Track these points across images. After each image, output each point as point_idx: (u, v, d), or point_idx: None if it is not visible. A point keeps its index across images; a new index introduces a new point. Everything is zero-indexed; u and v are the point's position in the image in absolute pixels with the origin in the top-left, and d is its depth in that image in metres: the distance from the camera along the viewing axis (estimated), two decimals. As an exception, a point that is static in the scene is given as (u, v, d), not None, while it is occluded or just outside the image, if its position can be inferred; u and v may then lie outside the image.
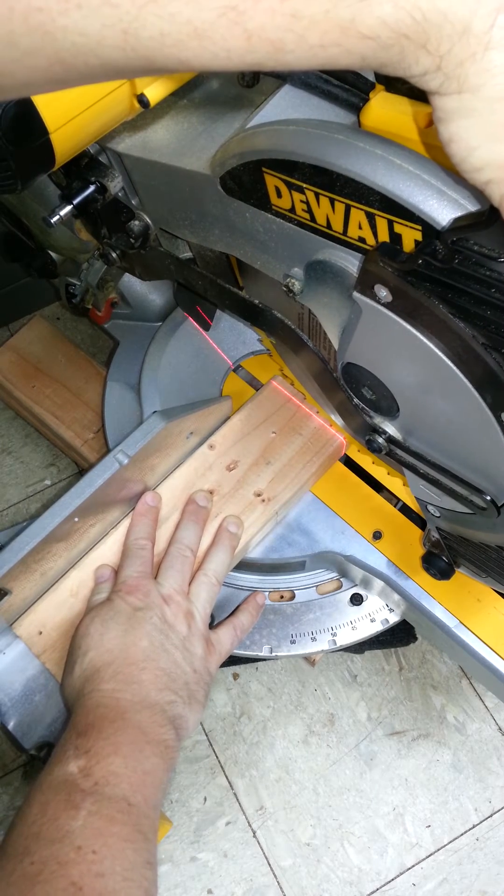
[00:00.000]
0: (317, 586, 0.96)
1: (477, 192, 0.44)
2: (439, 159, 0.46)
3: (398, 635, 1.10)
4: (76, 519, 0.77)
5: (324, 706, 1.14)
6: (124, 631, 0.72)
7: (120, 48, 0.32)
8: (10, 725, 0.78)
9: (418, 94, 0.47)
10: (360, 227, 0.51)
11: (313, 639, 0.93)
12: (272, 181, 0.55)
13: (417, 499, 0.71)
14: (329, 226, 0.53)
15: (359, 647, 1.06)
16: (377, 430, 0.63)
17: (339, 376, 0.62)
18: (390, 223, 0.48)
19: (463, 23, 0.31)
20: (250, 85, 0.64)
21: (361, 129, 0.51)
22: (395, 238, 0.49)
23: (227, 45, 0.32)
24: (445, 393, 0.51)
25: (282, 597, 0.95)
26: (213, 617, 0.90)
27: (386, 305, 0.48)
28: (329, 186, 0.50)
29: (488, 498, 0.57)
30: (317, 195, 0.52)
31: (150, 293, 1.04)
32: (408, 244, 0.48)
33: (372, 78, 0.53)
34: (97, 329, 1.33)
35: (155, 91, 0.59)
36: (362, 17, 0.31)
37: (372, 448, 0.63)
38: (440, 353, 0.48)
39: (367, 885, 1.06)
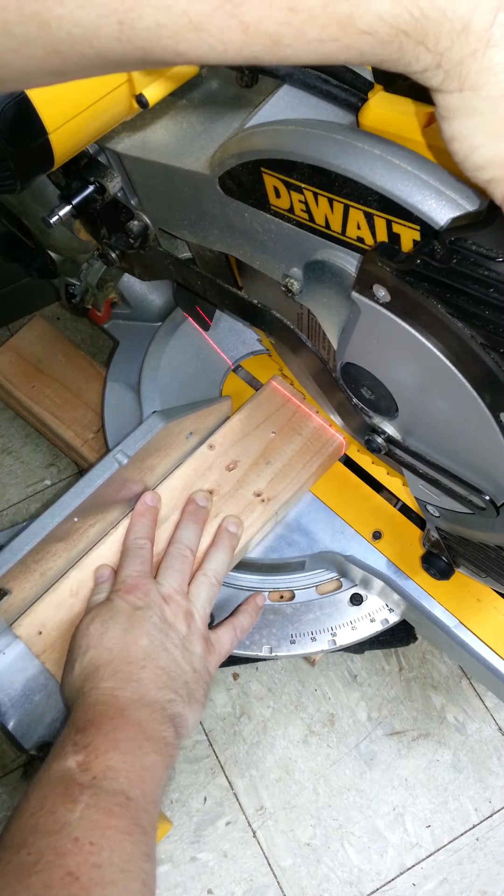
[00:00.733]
0: (317, 586, 0.95)
1: (475, 192, 0.44)
2: (438, 159, 0.46)
3: (398, 635, 1.10)
4: (76, 519, 0.77)
5: (324, 706, 1.14)
6: (124, 630, 0.72)
7: (116, 39, 0.31)
8: (10, 725, 0.78)
9: (417, 94, 0.47)
10: (358, 227, 0.51)
11: (313, 639, 0.93)
12: (271, 181, 0.55)
13: (417, 499, 0.71)
14: (328, 226, 0.53)
15: (359, 647, 1.06)
16: (376, 430, 0.63)
17: (338, 376, 0.62)
18: (389, 223, 0.48)
19: (462, 20, 0.31)
20: (249, 85, 0.64)
21: (360, 129, 0.51)
22: (394, 238, 0.49)
23: (224, 38, 0.31)
24: (444, 393, 0.51)
25: (282, 597, 0.95)
26: (213, 617, 0.90)
27: (384, 305, 0.48)
28: (327, 186, 0.50)
29: (487, 498, 0.57)
30: (315, 195, 0.52)
31: (149, 293, 1.04)
32: (406, 244, 0.48)
33: (370, 77, 0.53)
34: (97, 329, 1.33)
35: (154, 91, 0.59)
36: (360, 13, 0.31)
37: (371, 448, 0.63)
38: (439, 353, 0.48)
39: (367, 885, 1.06)
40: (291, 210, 0.55)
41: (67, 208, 0.71)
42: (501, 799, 1.10)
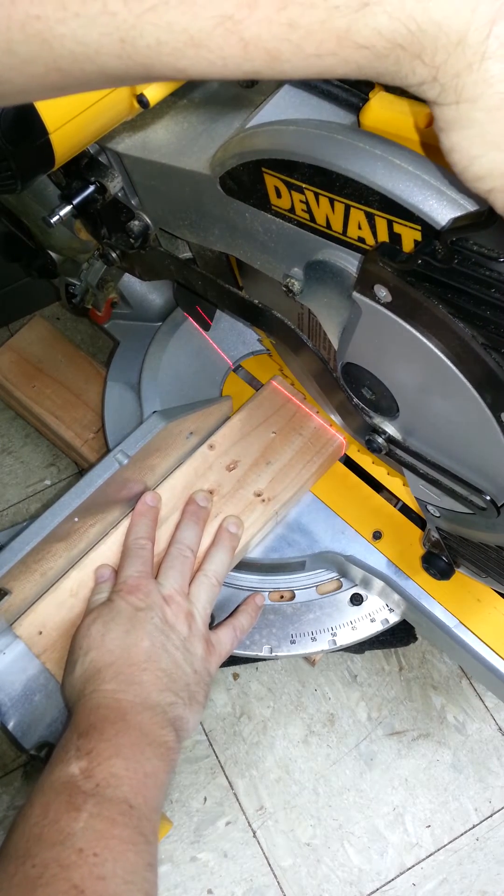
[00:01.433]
0: (317, 586, 0.95)
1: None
2: (438, 159, 0.46)
3: (398, 635, 1.10)
4: (76, 519, 0.77)
5: (324, 706, 1.14)
6: (126, 631, 0.72)
7: (117, 56, 0.32)
8: (10, 725, 0.78)
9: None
10: (359, 228, 0.51)
11: (313, 639, 0.93)
12: (272, 181, 0.55)
13: (417, 499, 0.71)
14: (328, 226, 0.53)
15: (359, 647, 1.06)
16: (377, 430, 0.63)
17: (339, 376, 0.62)
18: (390, 223, 0.48)
19: (458, 34, 0.31)
20: (250, 85, 0.64)
21: (361, 129, 0.51)
22: (395, 238, 0.48)
23: (224, 54, 0.32)
24: (445, 393, 0.51)
25: (282, 597, 0.95)
26: (213, 617, 0.90)
27: (385, 305, 0.48)
28: (328, 186, 0.50)
29: (488, 498, 0.57)
30: (316, 195, 0.52)
31: (149, 293, 1.04)
32: (407, 244, 0.48)
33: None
34: (97, 329, 1.33)
35: (154, 91, 0.59)
36: (358, 27, 0.31)
37: (372, 448, 0.63)
38: (440, 353, 0.48)
39: (368, 885, 1.06)
40: (292, 210, 0.55)
41: (68, 208, 0.70)
42: (501, 799, 1.10)
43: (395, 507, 0.91)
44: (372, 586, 0.92)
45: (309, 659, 1.08)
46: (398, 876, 1.06)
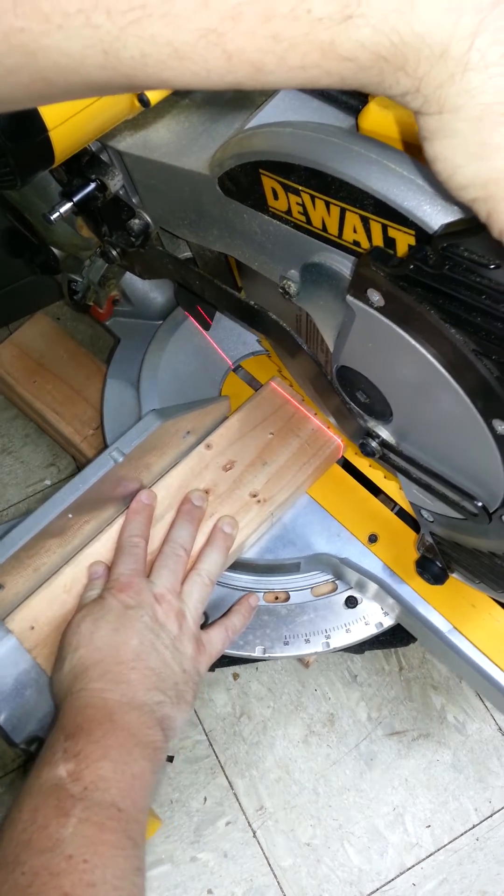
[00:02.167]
0: (312, 588, 0.95)
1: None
2: (434, 164, 0.46)
3: (398, 635, 1.09)
4: (70, 515, 0.77)
5: (324, 706, 1.14)
6: (115, 629, 0.72)
7: (101, 67, 0.32)
8: (1, 720, 0.78)
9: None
10: (354, 231, 0.50)
11: (307, 640, 0.93)
12: (269, 183, 0.54)
13: (411, 503, 0.70)
14: (325, 229, 0.53)
15: (359, 648, 1.06)
16: (371, 434, 0.62)
17: (334, 379, 0.62)
18: (384, 227, 0.48)
19: (441, 46, 0.31)
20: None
21: (359, 132, 0.51)
22: (390, 242, 0.48)
23: (208, 66, 0.32)
24: (437, 398, 0.50)
25: (276, 598, 0.95)
26: (206, 616, 0.90)
27: (378, 309, 0.48)
28: (324, 189, 0.50)
29: (480, 504, 0.57)
30: (312, 198, 0.51)
31: (151, 291, 1.04)
32: (402, 249, 0.48)
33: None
34: (98, 329, 1.33)
35: (155, 90, 0.59)
36: (341, 40, 0.31)
37: (365, 452, 0.63)
38: (431, 359, 0.48)
39: (368, 885, 1.06)
40: (289, 212, 0.55)
41: (68, 205, 0.70)
42: (501, 799, 1.10)
43: (391, 510, 0.91)
44: (367, 589, 0.92)
45: (303, 660, 1.08)
46: (398, 876, 1.07)
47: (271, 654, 0.93)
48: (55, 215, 0.70)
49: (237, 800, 1.10)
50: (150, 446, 0.81)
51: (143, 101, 0.59)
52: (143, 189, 0.71)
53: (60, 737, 0.65)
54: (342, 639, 0.93)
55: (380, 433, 0.62)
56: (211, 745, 1.12)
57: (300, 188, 0.52)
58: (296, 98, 0.58)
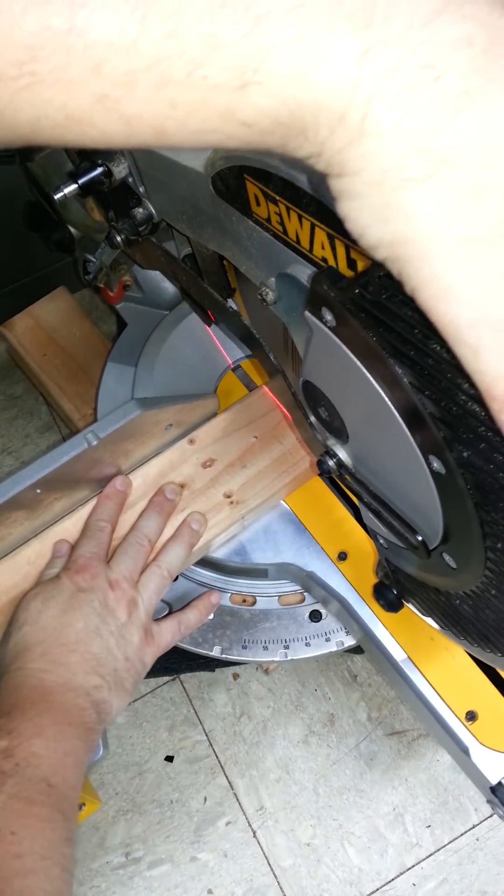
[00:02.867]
0: (280, 596, 0.95)
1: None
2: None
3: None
4: (38, 490, 0.78)
5: (324, 706, 1.14)
6: (62, 610, 0.73)
7: (1, 128, 0.32)
8: None
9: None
10: (322, 248, 0.50)
11: (265, 648, 0.92)
12: (252, 188, 0.54)
13: (367, 527, 0.70)
14: (298, 241, 0.53)
15: (359, 647, 1.05)
16: (329, 453, 0.62)
17: (299, 392, 0.61)
18: (347, 248, 0.47)
19: (338, 112, 0.31)
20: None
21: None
22: (352, 263, 0.48)
23: (107, 130, 0.32)
24: (383, 426, 0.50)
25: (244, 601, 0.95)
26: (170, 607, 0.90)
27: (331, 329, 0.48)
28: (297, 202, 0.49)
29: (419, 538, 0.56)
30: (287, 209, 0.51)
31: (163, 280, 1.04)
32: (362, 269, 0.47)
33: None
34: (108, 305, 1.33)
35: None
36: (240, 106, 0.31)
37: (321, 469, 0.62)
38: (377, 386, 0.47)
39: (368, 885, 1.06)
40: (269, 220, 0.55)
41: (73, 187, 0.71)
42: None
43: (366, 531, 0.90)
44: (330, 606, 0.92)
45: (262, 667, 1.08)
46: (398, 876, 1.06)
47: (228, 656, 0.92)
48: (59, 195, 0.71)
49: (237, 800, 1.10)
50: (128, 434, 0.81)
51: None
52: (147, 179, 0.72)
53: None
54: (301, 651, 0.92)
55: (338, 452, 0.61)
56: (211, 745, 1.13)
57: (277, 198, 0.51)
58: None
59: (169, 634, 0.81)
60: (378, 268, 0.40)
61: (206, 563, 0.93)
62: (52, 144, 0.34)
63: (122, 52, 0.29)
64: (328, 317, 0.47)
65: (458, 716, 0.79)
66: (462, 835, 1.07)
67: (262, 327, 0.72)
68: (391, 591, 0.77)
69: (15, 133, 0.33)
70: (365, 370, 0.47)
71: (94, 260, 0.98)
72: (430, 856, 1.06)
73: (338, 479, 0.63)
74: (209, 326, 0.97)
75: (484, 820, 1.07)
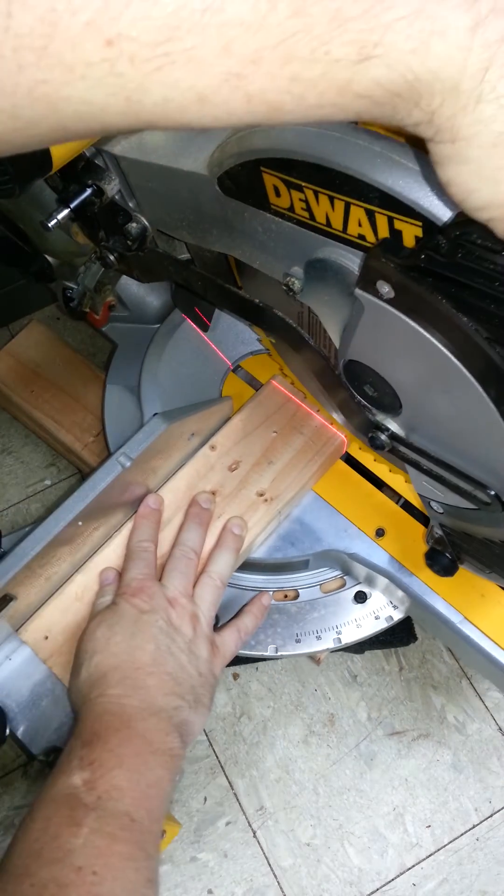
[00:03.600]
0: (321, 585, 0.95)
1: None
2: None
3: (398, 635, 1.09)
4: (80, 523, 0.77)
5: (324, 706, 1.14)
6: (131, 634, 0.72)
7: (123, 114, 0.32)
8: (20, 732, 0.78)
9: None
10: (359, 225, 0.50)
11: (318, 637, 0.92)
12: (270, 180, 0.54)
13: (420, 495, 0.70)
14: (328, 224, 0.53)
15: (359, 647, 1.05)
16: (380, 428, 0.62)
17: (341, 374, 0.62)
18: (390, 220, 0.48)
19: (453, 80, 0.32)
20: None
21: (359, 126, 0.51)
22: (396, 235, 0.48)
23: (229, 108, 0.33)
24: (449, 388, 0.50)
25: (286, 596, 0.95)
26: (217, 618, 0.90)
27: (388, 302, 0.48)
28: (328, 185, 0.50)
29: (492, 493, 0.57)
30: (316, 193, 0.51)
31: (147, 295, 1.04)
32: (408, 240, 0.48)
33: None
34: (95, 329, 1.33)
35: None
36: (358, 79, 0.32)
37: (374, 445, 0.63)
38: (443, 349, 0.48)
39: (368, 886, 1.06)
40: (292, 209, 0.55)
41: (65, 212, 0.70)
42: (501, 799, 1.10)
43: (397, 503, 0.91)
44: (376, 584, 0.92)
45: (314, 658, 1.08)
46: (398, 876, 1.06)
47: (284, 653, 0.92)
48: (52, 222, 0.70)
49: (237, 800, 1.09)
50: (157, 450, 0.81)
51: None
52: (139, 192, 0.71)
53: (77, 744, 0.65)
54: (353, 634, 0.93)
55: (389, 426, 0.62)
56: (211, 745, 1.12)
57: (303, 184, 0.52)
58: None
59: (232, 643, 0.81)
60: (451, 228, 0.41)
61: (244, 565, 0.93)
62: (168, 127, 0.34)
63: (252, 30, 0.30)
64: (385, 289, 0.48)
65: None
66: (462, 835, 1.08)
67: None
68: (445, 555, 0.78)
69: (138, 118, 0.33)
70: (428, 335, 0.48)
71: (75, 286, 0.97)
72: (430, 856, 1.07)
73: (390, 453, 0.64)
74: (204, 333, 0.97)
75: (484, 820, 1.09)
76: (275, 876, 1.06)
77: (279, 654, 0.92)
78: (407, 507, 0.91)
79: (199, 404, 0.88)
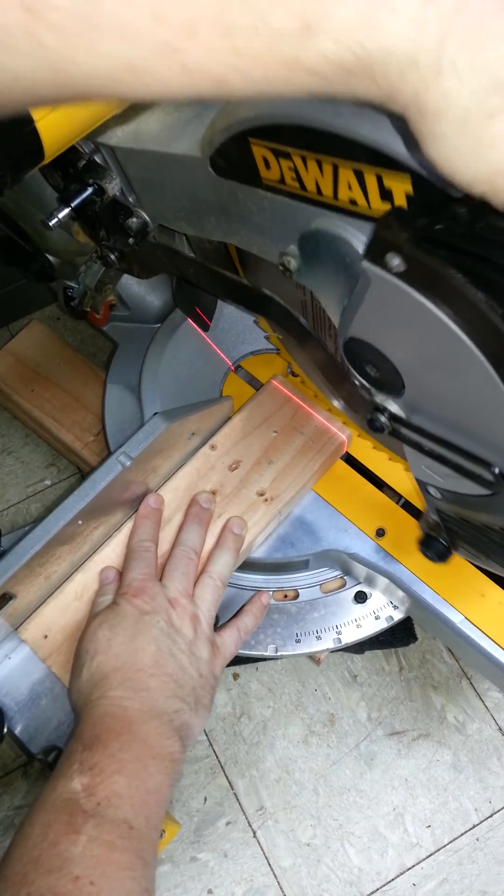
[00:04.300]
0: (321, 585, 0.90)
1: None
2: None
3: (398, 635, 1.05)
4: (80, 522, 0.73)
5: (324, 706, 1.10)
6: (132, 636, 0.68)
7: (52, 86, 0.30)
8: (18, 730, 0.74)
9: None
10: (349, 188, 0.46)
11: (318, 637, 0.88)
12: (259, 151, 0.50)
13: (418, 480, 0.65)
14: (319, 191, 0.48)
15: (359, 647, 1.01)
16: (379, 409, 0.57)
17: (340, 352, 0.57)
18: (379, 178, 0.43)
19: (407, 55, 0.29)
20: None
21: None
22: (387, 194, 0.44)
23: (165, 81, 0.30)
24: (456, 366, 0.46)
25: (286, 596, 0.90)
26: (217, 618, 0.85)
27: (397, 275, 0.44)
28: (314, 146, 0.45)
29: (497, 471, 0.52)
30: (304, 159, 0.47)
31: (147, 294, 1.00)
32: (399, 199, 0.43)
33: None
34: (96, 328, 1.30)
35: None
36: (305, 54, 0.29)
37: (374, 427, 0.58)
38: (453, 326, 0.43)
39: (368, 886, 1.02)
40: (282, 180, 0.50)
41: (66, 210, 0.66)
42: (501, 799, 1.06)
43: (397, 504, 0.86)
44: (376, 584, 0.87)
45: (314, 658, 1.03)
46: (398, 876, 1.02)
47: (284, 653, 0.88)
48: (54, 221, 0.66)
49: (237, 800, 1.06)
50: (157, 449, 0.77)
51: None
52: (138, 185, 0.67)
53: (78, 747, 0.61)
54: (353, 634, 0.88)
55: (389, 407, 0.57)
56: (211, 745, 1.08)
57: (290, 150, 0.47)
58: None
59: (231, 643, 0.77)
60: (457, 202, 0.37)
61: (244, 565, 0.88)
62: (103, 98, 0.31)
63: None
64: (395, 262, 0.43)
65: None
66: (462, 835, 1.04)
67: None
68: (439, 541, 0.73)
69: (70, 90, 0.30)
70: (438, 311, 0.43)
71: (75, 286, 0.93)
72: (430, 856, 1.03)
73: (391, 435, 0.59)
74: (205, 332, 0.93)
75: (484, 820, 1.05)
76: (275, 876, 1.02)
77: (279, 654, 0.88)
78: (407, 507, 0.86)
79: (199, 404, 0.84)
